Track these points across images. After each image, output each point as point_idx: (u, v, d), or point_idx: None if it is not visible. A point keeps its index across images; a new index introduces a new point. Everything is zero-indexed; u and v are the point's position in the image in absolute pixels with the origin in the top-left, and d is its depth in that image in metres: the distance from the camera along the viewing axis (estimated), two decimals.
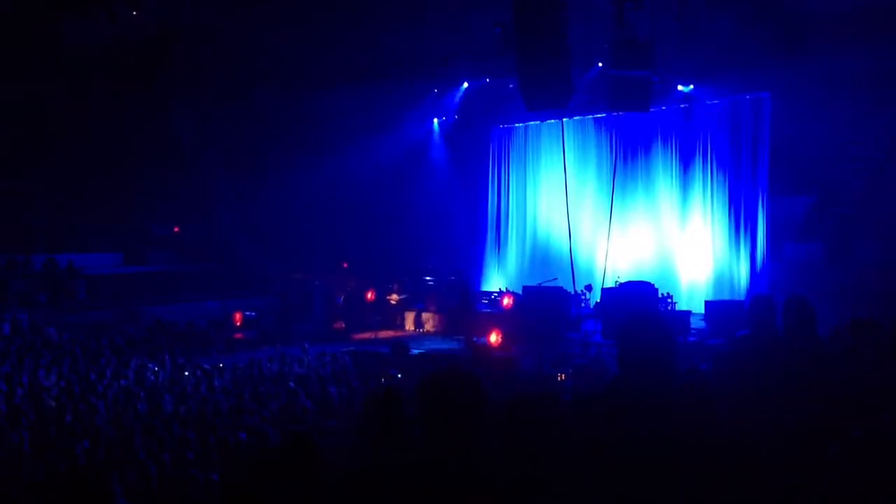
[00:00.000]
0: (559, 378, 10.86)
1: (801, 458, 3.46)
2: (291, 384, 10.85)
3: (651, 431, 3.01)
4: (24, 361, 12.61)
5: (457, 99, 22.01)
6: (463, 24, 16.77)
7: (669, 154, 19.80)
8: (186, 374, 12.09)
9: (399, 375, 11.56)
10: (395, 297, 20.15)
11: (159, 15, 17.34)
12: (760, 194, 18.04)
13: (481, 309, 19.28)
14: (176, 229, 24.81)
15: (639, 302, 15.29)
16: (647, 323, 3.24)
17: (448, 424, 2.67)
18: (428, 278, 20.61)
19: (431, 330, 19.20)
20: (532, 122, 22.18)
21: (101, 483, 2.57)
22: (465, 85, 21.38)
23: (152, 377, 11.91)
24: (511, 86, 19.03)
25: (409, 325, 19.73)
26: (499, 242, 23.31)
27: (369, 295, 20.07)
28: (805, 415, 3.81)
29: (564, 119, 19.97)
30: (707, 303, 16.57)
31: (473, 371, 2.97)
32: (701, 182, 19.23)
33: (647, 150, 20.12)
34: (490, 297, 20.38)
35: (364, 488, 2.92)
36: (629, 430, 3.04)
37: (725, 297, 17.61)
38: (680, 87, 18.69)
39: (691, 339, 15.10)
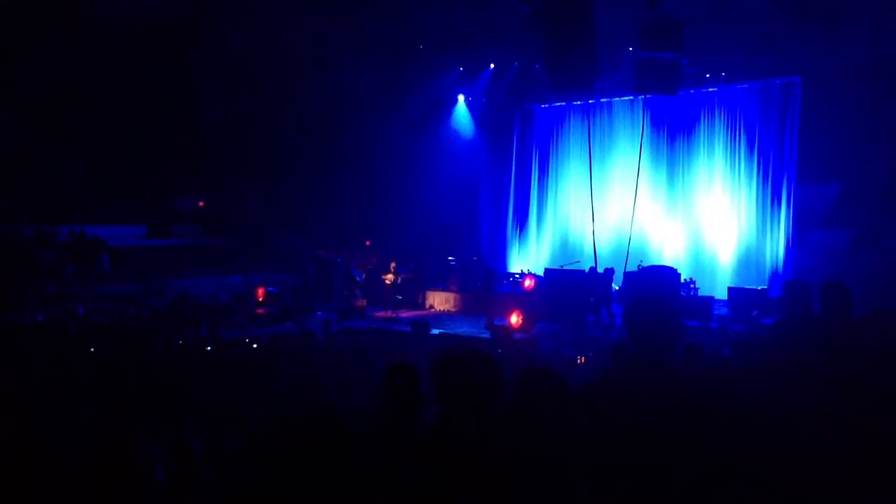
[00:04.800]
0: (579, 361, 10.81)
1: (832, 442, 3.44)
2: (313, 360, 10.91)
3: (664, 414, 3.01)
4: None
5: (483, 79, 21.89)
6: (490, 3, 16.61)
7: (697, 137, 19.61)
8: (209, 348, 12.19)
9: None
10: (390, 276, 19.16)
11: None
12: (787, 180, 17.83)
13: (503, 290, 19.28)
14: (201, 204, 24.97)
15: (660, 286, 15.26)
16: (654, 305, 3.24)
17: (463, 401, 2.69)
18: (450, 258, 20.58)
19: (453, 310, 19.24)
20: (558, 104, 22.03)
21: (128, 455, 2.62)
22: (492, 66, 21.26)
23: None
24: (537, 67, 18.91)
25: (431, 304, 19.77)
26: (522, 224, 23.25)
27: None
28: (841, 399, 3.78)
29: (590, 101, 19.81)
30: (730, 289, 16.48)
31: (493, 351, 2.99)
32: (728, 166, 19.05)
33: (674, 134, 19.93)
34: (512, 278, 20.36)
35: (384, 456, 2.96)
36: (642, 410, 3.04)
37: (751, 283, 17.50)
38: (708, 72, 18.50)
39: (713, 325, 15.05)
